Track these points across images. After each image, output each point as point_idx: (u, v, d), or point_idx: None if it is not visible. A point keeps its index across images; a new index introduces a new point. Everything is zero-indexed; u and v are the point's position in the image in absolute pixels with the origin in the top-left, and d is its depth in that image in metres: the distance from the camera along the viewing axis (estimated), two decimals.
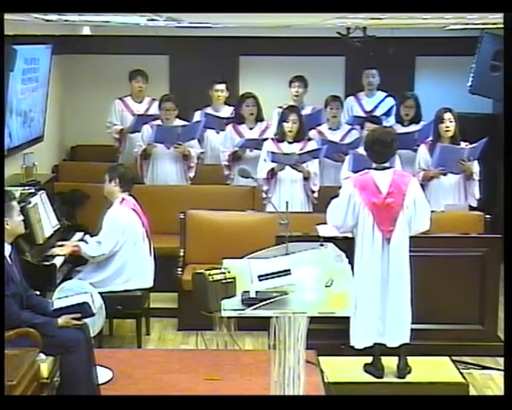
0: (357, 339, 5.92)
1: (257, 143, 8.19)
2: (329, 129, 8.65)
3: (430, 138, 7.80)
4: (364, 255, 5.84)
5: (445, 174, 7.63)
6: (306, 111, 8.97)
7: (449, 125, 7.55)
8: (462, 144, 7.60)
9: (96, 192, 7.41)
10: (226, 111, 9.03)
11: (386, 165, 5.90)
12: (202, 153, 8.89)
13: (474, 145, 7.55)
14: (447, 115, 7.55)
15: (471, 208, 7.67)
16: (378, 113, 9.00)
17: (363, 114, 8.98)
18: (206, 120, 8.81)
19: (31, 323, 5.13)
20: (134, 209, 6.69)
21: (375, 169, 5.89)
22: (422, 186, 7.07)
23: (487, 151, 7.66)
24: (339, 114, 8.70)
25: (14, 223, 5.38)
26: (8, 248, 5.28)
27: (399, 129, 8.30)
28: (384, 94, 9.26)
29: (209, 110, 9.05)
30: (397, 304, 5.84)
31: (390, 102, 9.12)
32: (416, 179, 6.15)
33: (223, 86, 9.03)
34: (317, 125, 8.69)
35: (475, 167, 7.56)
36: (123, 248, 6.58)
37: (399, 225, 5.82)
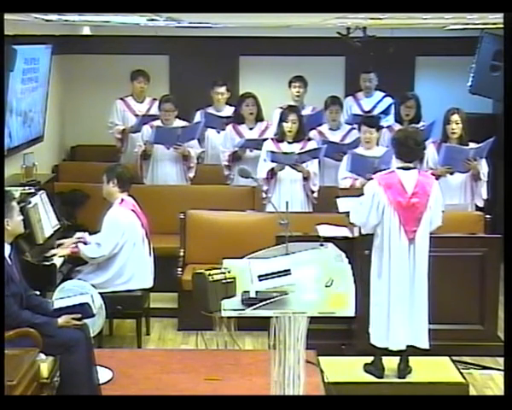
0: (393, 342, 5.86)
1: (257, 144, 8.19)
2: (330, 129, 8.66)
3: (438, 138, 7.81)
4: (393, 256, 5.80)
5: (451, 173, 7.64)
6: (307, 111, 8.97)
7: (455, 127, 7.56)
8: (471, 145, 7.61)
9: (95, 192, 7.40)
10: (228, 111, 9.02)
11: (411, 165, 5.89)
12: (203, 152, 8.89)
13: (479, 145, 7.56)
14: (454, 117, 7.56)
15: (477, 208, 7.68)
16: (376, 112, 9.01)
17: (361, 114, 9.00)
18: (207, 120, 8.81)
19: (31, 322, 5.13)
20: (133, 210, 6.69)
21: (401, 168, 5.87)
22: None
23: (487, 151, 7.67)
24: (338, 117, 8.70)
25: (15, 223, 5.39)
26: (7, 249, 5.28)
27: None
28: (382, 94, 9.27)
29: (210, 110, 9.05)
30: (422, 304, 5.84)
31: (388, 101, 9.13)
32: (437, 181, 6.14)
33: (223, 89, 9.02)
34: (318, 125, 8.70)
35: (484, 167, 7.58)
36: (123, 250, 6.58)
37: (423, 225, 5.81)
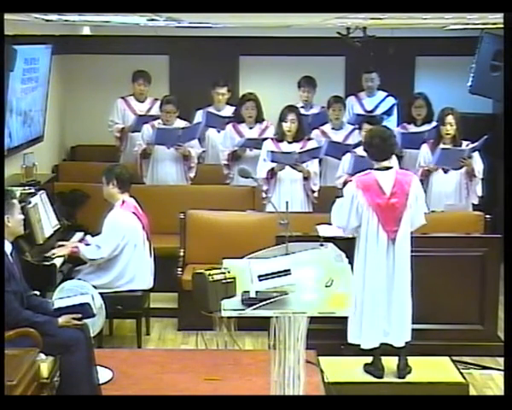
0: (365, 340, 5.91)
1: (257, 143, 8.19)
2: (332, 129, 8.66)
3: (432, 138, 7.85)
4: (369, 256, 5.83)
5: (446, 171, 7.66)
6: (314, 110, 8.99)
7: (449, 128, 7.60)
8: (464, 144, 7.63)
9: (96, 192, 7.40)
10: (228, 110, 9.03)
11: (388, 165, 5.89)
12: (203, 152, 8.88)
13: (474, 145, 7.57)
14: (448, 119, 7.58)
15: (474, 207, 7.69)
16: (378, 112, 9.01)
17: (364, 114, 8.99)
18: (208, 119, 8.80)
19: (31, 321, 5.13)
20: (134, 213, 6.67)
21: (378, 169, 5.88)
22: (423, 183, 7.11)
23: (487, 151, 7.67)
24: (341, 116, 8.71)
25: (15, 221, 5.38)
26: (9, 247, 5.29)
27: (412, 129, 8.38)
28: (385, 94, 9.27)
29: (211, 110, 9.05)
30: (401, 303, 5.85)
31: (390, 101, 9.13)
32: (417, 177, 6.15)
33: (224, 89, 9.02)
34: (321, 124, 8.71)
35: (478, 164, 7.59)
36: (124, 252, 6.57)
37: (403, 224, 5.82)
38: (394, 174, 5.87)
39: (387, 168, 5.88)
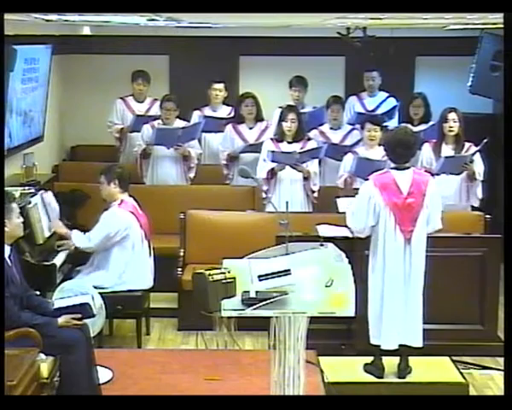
0: (385, 340, 5.88)
1: (257, 148, 8.17)
2: (331, 129, 8.65)
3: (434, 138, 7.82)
4: (388, 257, 5.80)
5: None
6: (308, 110, 8.97)
7: (453, 125, 7.57)
8: (466, 145, 7.61)
9: (96, 192, 7.38)
10: (224, 111, 9.03)
11: (406, 164, 5.89)
12: (200, 154, 8.88)
13: (477, 149, 7.55)
14: (451, 115, 7.57)
15: (473, 209, 7.68)
16: (380, 112, 9.00)
17: (365, 113, 8.98)
18: (205, 123, 8.78)
19: (31, 324, 5.13)
20: (132, 212, 6.67)
21: (395, 169, 5.87)
22: None
23: (487, 151, 7.67)
24: (340, 116, 8.69)
25: (14, 225, 5.36)
26: (7, 250, 5.27)
27: None
28: (386, 94, 9.25)
29: (207, 110, 9.04)
30: (416, 304, 5.84)
31: (392, 102, 9.11)
32: (433, 178, 6.12)
33: (221, 86, 9.02)
34: (320, 124, 8.70)
35: (479, 166, 7.57)
36: (121, 250, 6.59)
37: (419, 224, 5.80)
38: (412, 174, 5.84)
39: (405, 168, 5.86)
